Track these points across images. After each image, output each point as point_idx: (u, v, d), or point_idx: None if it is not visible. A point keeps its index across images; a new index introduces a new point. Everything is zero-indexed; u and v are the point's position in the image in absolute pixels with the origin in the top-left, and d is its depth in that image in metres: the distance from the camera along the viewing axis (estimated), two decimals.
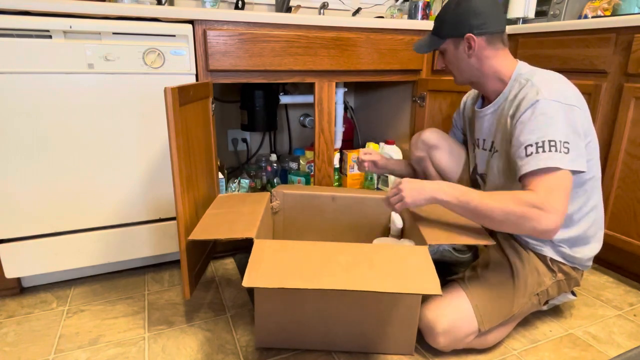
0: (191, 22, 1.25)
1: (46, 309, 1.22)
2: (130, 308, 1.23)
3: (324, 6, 1.90)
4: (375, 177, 1.91)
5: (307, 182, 1.79)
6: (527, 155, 0.91)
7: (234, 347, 1.07)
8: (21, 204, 1.18)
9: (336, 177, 1.86)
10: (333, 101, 1.54)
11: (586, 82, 1.37)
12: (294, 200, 1.36)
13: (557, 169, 0.87)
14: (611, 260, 1.47)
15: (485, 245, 1.08)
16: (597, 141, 1.01)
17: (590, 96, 1.36)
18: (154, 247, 1.37)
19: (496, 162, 1.08)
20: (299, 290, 0.99)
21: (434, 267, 0.85)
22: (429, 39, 1.12)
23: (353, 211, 1.35)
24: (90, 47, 1.14)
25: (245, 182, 1.69)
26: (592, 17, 1.62)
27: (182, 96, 1.03)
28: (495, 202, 0.90)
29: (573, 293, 1.15)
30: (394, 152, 1.81)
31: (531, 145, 0.90)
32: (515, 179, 0.96)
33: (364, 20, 1.51)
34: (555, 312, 1.22)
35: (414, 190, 1.00)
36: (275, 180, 1.86)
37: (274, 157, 1.90)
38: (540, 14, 1.81)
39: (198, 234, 0.99)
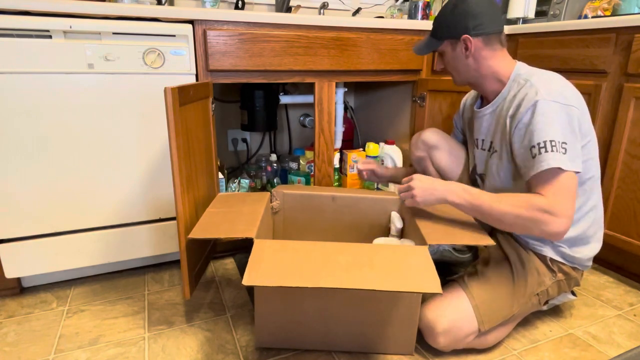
0: (191, 22, 1.26)
1: (46, 309, 1.22)
2: (130, 308, 1.23)
3: (324, 6, 1.90)
4: None
5: (307, 182, 1.79)
6: (532, 157, 0.92)
7: (234, 347, 1.07)
8: (21, 204, 1.18)
9: (336, 177, 1.86)
10: (333, 101, 1.54)
11: (586, 82, 1.37)
12: (294, 200, 1.36)
13: (561, 170, 0.88)
14: (611, 260, 1.47)
15: (485, 246, 1.08)
16: (597, 141, 1.01)
17: (590, 96, 1.36)
18: (154, 247, 1.37)
19: (495, 162, 1.08)
20: (299, 289, 0.99)
21: (434, 266, 0.85)
22: (428, 41, 1.12)
23: (353, 211, 1.35)
24: (90, 47, 1.14)
25: (245, 182, 1.69)
26: (592, 17, 1.62)
27: (182, 96, 1.03)
28: (506, 207, 0.92)
29: (573, 293, 1.15)
30: (394, 152, 1.81)
31: (534, 147, 0.92)
32: (513, 179, 0.96)
33: (364, 20, 1.51)
34: (555, 312, 1.22)
35: (426, 190, 1.01)
36: (275, 180, 1.86)
37: (274, 157, 1.90)
38: (540, 14, 1.81)
39: (198, 232, 0.99)
